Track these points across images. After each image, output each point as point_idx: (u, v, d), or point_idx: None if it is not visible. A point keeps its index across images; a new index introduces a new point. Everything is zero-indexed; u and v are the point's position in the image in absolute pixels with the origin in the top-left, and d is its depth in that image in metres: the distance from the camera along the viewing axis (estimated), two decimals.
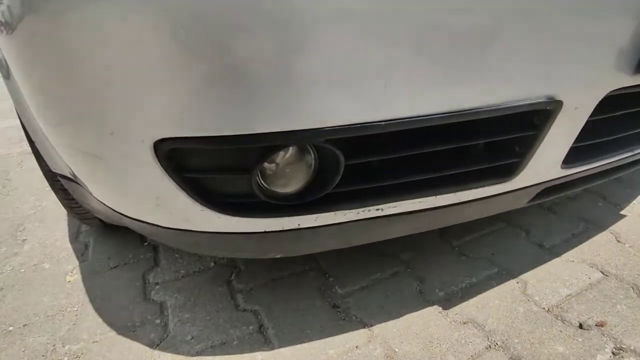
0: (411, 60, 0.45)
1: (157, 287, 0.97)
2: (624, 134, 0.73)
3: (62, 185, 0.89)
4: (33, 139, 0.82)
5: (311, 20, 0.41)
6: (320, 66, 0.43)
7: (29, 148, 0.95)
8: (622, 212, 1.21)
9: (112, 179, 0.56)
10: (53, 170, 0.84)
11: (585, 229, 1.13)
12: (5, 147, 2.00)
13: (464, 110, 0.50)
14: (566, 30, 0.52)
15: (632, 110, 0.70)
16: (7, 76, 0.67)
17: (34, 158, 0.94)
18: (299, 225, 0.58)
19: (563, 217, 1.20)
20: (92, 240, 1.17)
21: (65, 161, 0.67)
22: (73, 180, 0.75)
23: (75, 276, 1.02)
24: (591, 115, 0.61)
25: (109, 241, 1.16)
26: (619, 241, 1.07)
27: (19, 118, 0.85)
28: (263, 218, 0.56)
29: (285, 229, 0.58)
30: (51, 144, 0.67)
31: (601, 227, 1.14)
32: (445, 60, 0.47)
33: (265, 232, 0.59)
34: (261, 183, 0.53)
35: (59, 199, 1.02)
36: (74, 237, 1.20)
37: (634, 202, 1.26)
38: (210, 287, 0.95)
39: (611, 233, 1.11)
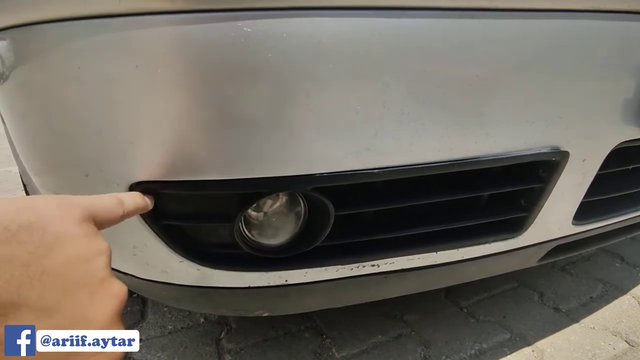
0: (405, 106, 0.43)
1: (141, 344, 0.90)
2: None
3: None
4: (25, 182, 0.81)
5: (299, 68, 0.40)
6: (308, 110, 0.41)
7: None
8: None
9: None
10: None
11: (604, 292, 1.06)
12: (12, 192, 2.04)
13: (462, 160, 0.47)
14: (570, 82, 0.50)
15: None
16: (3, 122, 0.68)
17: None
18: (286, 281, 0.53)
19: (579, 278, 1.13)
20: None
21: None
22: None
23: None
24: (601, 169, 0.58)
25: None
26: None
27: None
28: (246, 272, 0.51)
29: (271, 284, 0.53)
30: (38, 189, 0.66)
31: (621, 290, 1.06)
32: (442, 106, 0.45)
33: (249, 287, 0.54)
34: (245, 233, 0.50)
35: None
36: None
37: None
38: (197, 346, 0.89)
39: (633, 297, 1.03)
